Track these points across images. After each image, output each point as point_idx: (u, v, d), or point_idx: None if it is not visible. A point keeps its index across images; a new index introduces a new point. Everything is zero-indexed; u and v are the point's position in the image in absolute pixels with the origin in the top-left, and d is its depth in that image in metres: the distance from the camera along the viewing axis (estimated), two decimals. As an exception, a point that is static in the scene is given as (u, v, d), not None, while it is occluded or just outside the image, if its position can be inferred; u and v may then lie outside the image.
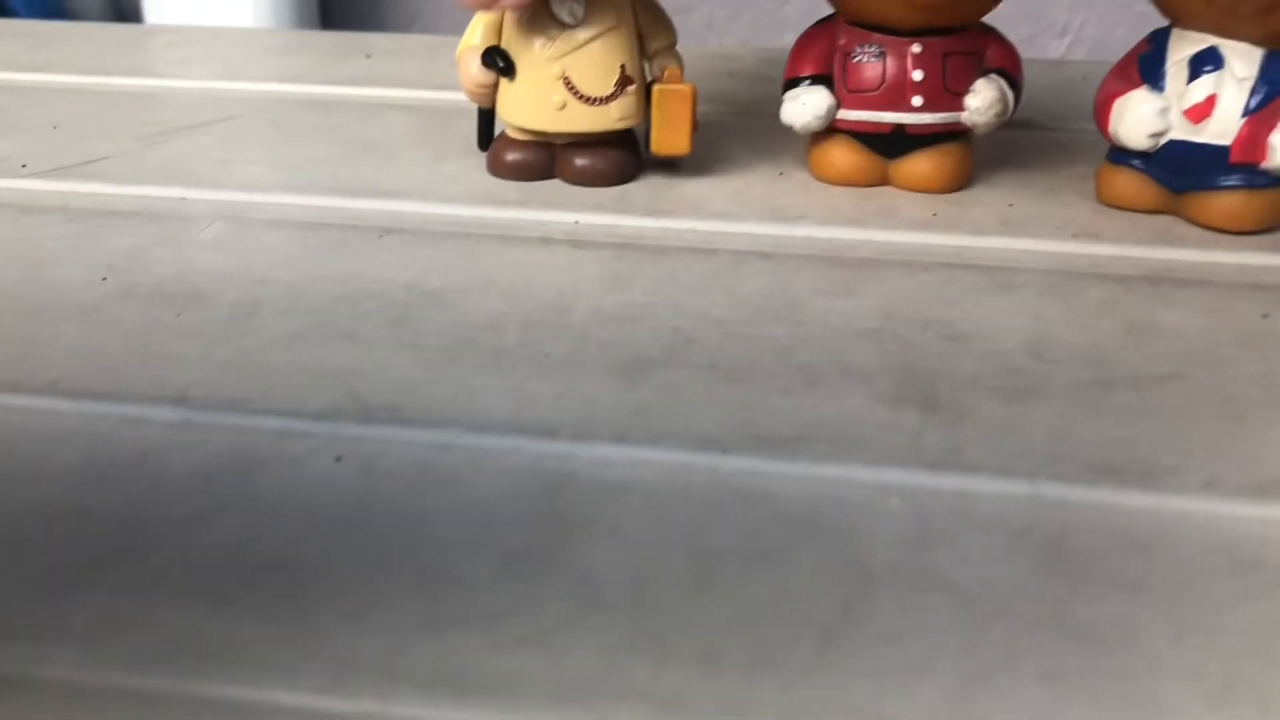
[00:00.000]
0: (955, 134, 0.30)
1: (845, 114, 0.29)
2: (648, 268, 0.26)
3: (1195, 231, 0.29)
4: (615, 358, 0.23)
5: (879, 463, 0.20)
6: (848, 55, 0.29)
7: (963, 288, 0.26)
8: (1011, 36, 0.30)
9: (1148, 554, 0.18)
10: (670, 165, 0.32)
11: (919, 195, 0.30)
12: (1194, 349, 0.23)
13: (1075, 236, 0.28)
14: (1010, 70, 0.29)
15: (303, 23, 0.69)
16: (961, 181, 0.30)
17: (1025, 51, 0.30)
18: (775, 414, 0.21)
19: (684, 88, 0.30)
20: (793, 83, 0.30)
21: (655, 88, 0.30)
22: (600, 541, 0.18)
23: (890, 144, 0.30)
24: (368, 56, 0.43)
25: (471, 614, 0.17)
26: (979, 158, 0.31)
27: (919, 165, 0.30)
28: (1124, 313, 0.25)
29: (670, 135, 0.31)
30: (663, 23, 0.31)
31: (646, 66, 0.31)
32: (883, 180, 0.30)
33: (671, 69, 0.31)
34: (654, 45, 0.31)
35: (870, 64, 0.29)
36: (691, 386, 0.22)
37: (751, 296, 0.25)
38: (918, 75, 0.29)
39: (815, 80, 0.30)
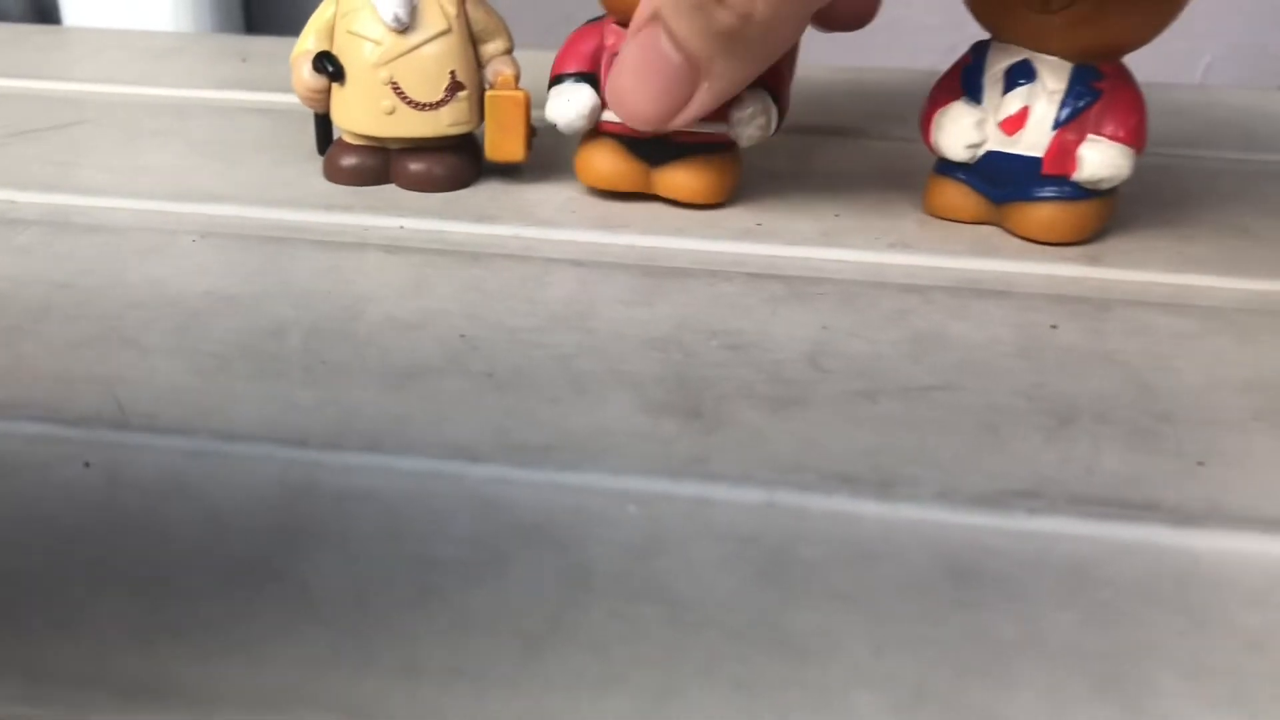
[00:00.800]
0: (721, 144, 0.30)
1: (609, 116, 0.29)
2: (456, 273, 0.26)
3: (1014, 243, 0.29)
4: (390, 365, 0.23)
5: (624, 471, 0.20)
6: (614, 56, 0.29)
7: (762, 297, 0.26)
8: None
9: (870, 564, 0.18)
10: (510, 171, 0.32)
11: (747, 203, 0.31)
12: (972, 360, 0.23)
13: (891, 247, 0.29)
14: (774, 86, 0.29)
15: (224, 26, 0.69)
16: (724, 193, 0.30)
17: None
18: (535, 422, 0.21)
19: (517, 94, 0.30)
20: (559, 79, 0.30)
21: (488, 94, 0.30)
22: (328, 551, 0.18)
23: (654, 150, 0.30)
24: (243, 60, 0.43)
25: (183, 624, 0.17)
26: (818, 167, 0.31)
27: (681, 174, 0.30)
28: (914, 323, 0.25)
29: (504, 141, 0.31)
30: (497, 28, 0.31)
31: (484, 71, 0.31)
32: (646, 187, 0.30)
33: (505, 75, 0.31)
34: (489, 50, 0.31)
35: None
36: (460, 394, 0.22)
37: (551, 304, 0.25)
38: None
39: (581, 78, 0.29)
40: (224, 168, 0.32)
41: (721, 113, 0.29)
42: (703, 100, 0.27)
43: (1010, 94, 0.28)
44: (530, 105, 0.30)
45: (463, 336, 0.24)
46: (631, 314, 0.25)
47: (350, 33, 0.30)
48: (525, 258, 0.27)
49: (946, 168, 0.30)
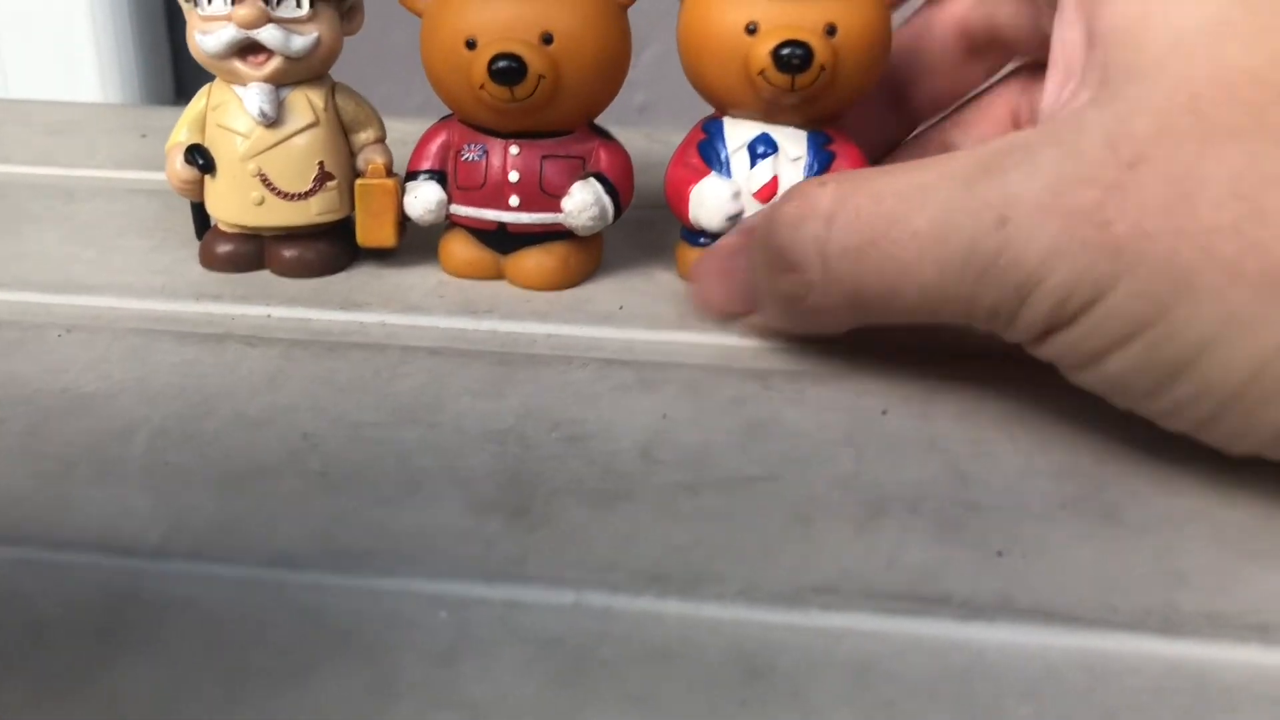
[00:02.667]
0: (562, 233, 0.31)
1: (456, 209, 0.31)
2: (311, 366, 0.27)
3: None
4: (231, 467, 0.23)
5: (441, 575, 0.21)
6: (457, 153, 0.30)
7: (610, 384, 0.27)
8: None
9: (667, 664, 0.19)
10: (384, 255, 0.33)
11: (610, 287, 0.32)
12: (799, 448, 0.24)
13: (744, 331, 0.29)
14: (610, 175, 0.30)
15: (153, 93, 0.69)
16: (569, 280, 0.31)
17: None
18: (361, 526, 0.22)
19: (387, 182, 0.31)
20: (412, 176, 0.31)
21: (358, 182, 0.31)
22: (142, 661, 0.19)
23: (499, 240, 0.31)
24: (143, 136, 0.44)
25: (-10, 739, 0.17)
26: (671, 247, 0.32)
27: (525, 262, 0.31)
28: (749, 411, 0.26)
29: (375, 228, 0.32)
30: (368, 118, 0.32)
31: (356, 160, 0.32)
32: (498, 274, 0.32)
33: (375, 163, 0.32)
34: (360, 140, 0.32)
35: (474, 163, 0.30)
36: (292, 497, 0.22)
37: (400, 396, 0.26)
38: (514, 176, 0.30)
39: (430, 175, 0.31)
40: (102, 255, 0.33)
41: (554, 204, 0.30)
42: (758, 322, 0.28)
43: (758, 165, 0.30)
44: (401, 192, 0.31)
45: (305, 435, 0.24)
46: (478, 405, 0.26)
47: (220, 126, 0.31)
48: (384, 346, 0.28)
49: (693, 236, 0.31)
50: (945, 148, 0.32)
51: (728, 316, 0.29)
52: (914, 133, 0.34)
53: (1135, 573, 0.21)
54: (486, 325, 0.29)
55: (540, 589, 0.20)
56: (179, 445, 0.24)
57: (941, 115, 0.33)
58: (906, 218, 0.23)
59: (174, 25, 0.68)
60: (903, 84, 0.32)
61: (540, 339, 0.29)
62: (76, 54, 0.62)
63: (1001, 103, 0.31)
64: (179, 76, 0.73)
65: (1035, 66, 0.30)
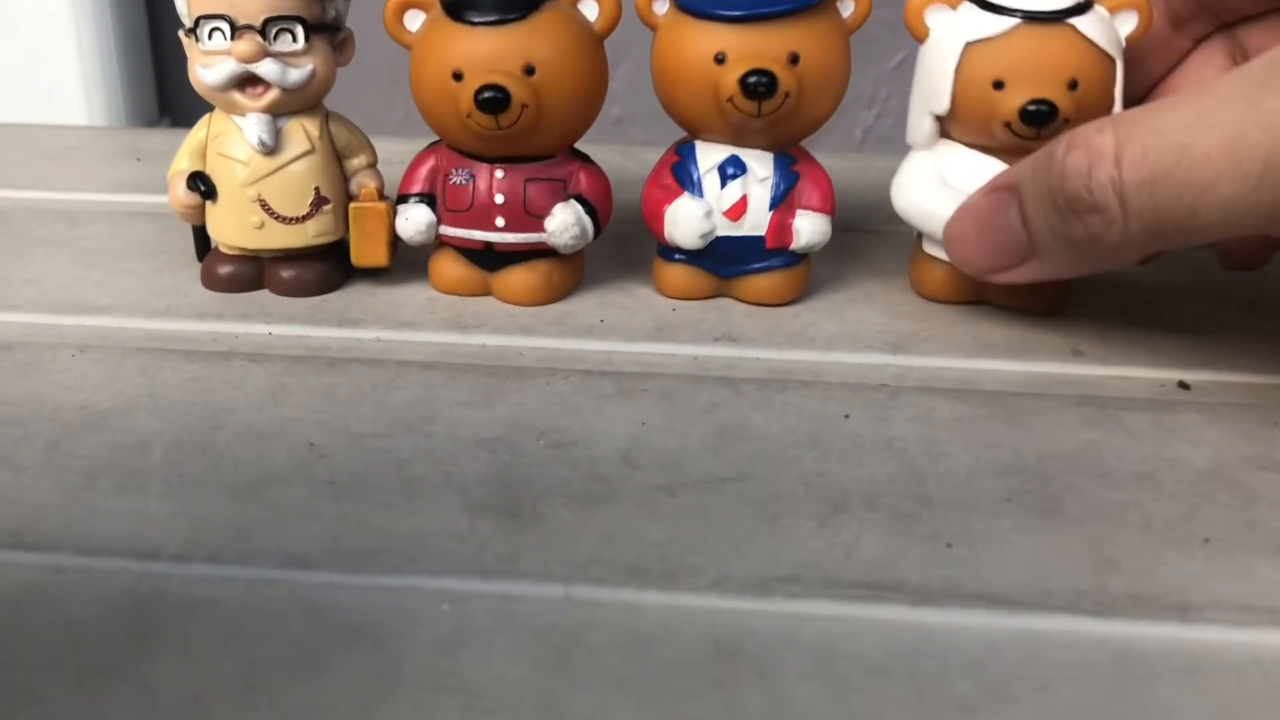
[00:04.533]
0: (546, 251, 0.33)
1: (445, 230, 0.33)
2: (312, 381, 0.29)
3: (826, 333, 0.32)
4: (241, 476, 0.25)
5: (441, 572, 0.22)
6: (446, 177, 0.32)
7: (592, 394, 0.29)
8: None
9: (646, 648, 0.21)
10: (377, 274, 0.35)
11: (592, 302, 0.34)
12: (767, 450, 0.26)
13: (717, 340, 0.32)
14: (590, 197, 0.33)
15: (137, 111, 0.71)
16: (553, 295, 0.33)
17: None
18: (366, 528, 0.24)
19: (379, 205, 0.33)
20: (403, 199, 0.33)
21: (351, 205, 0.33)
22: (170, 656, 0.20)
23: (486, 259, 0.33)
24: (138, 160, 0.45)
25: (36, 726, 0.19)
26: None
27: (511, 279, 0.33)
28: (721, 417, 0.28)
29: (368, 249, 0.34)
30: (360, 144, 0.34)
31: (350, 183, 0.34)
32: (486, 291, 0.34)
33: (368, 187, 0.34)
34: (353, 165, 0.34)
35: (462, 186, 0.32)
36: (300, 504, 0.24)
37: (397, 408, 0.28)
38: (499, 199, 0.32)
39: (421, 198, 0.33)
40: (108, 277, 0.34)
41: (538, 224, 0.32)
42: (1027, 273, 0.29)
43: (728, 185, 0.32)
44: (393, 214, 0.33)
45: (311, 445, 0.26)
46: (470, 415, 0.28)
47: (220, 154, 0.33)
48: (380, 361, 0.30)
49: (669, 253, 0.34)
50: None
51: (991, 272, 0.30)
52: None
53: (1071, 560, 0.23)
54: (476, 340, 0.31)
55: (531, 583, 0.22)
56: (193, 457, 0.26)
57: (1151, 86, 0.34)
58: (1195, 143, 0.24)
59: (158, 45, 0.70)
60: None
61: (527, 352, 0.31)
62: (62, 77, 0.64)
63: (1212, 60, 0.33)
64: (163, 95, 0.75)
65: (1233, 24, 0.32)
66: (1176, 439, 0.27)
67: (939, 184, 0.32)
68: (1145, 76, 0.34)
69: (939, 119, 0.32)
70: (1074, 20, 0.30)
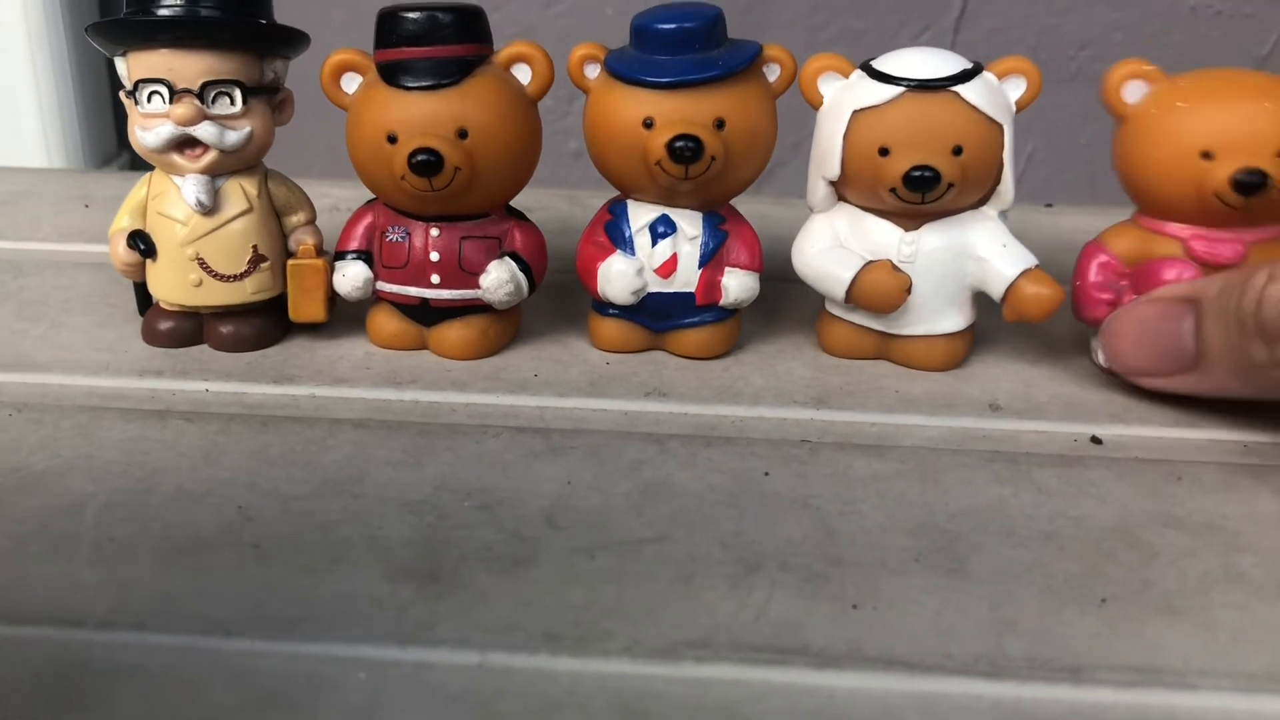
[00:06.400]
0: (482, 306, 0.33)
1: (382, 286, 0.34)
2: (246, 441, 0.30)
3: (754, 386, 0.33)
4: (170, 541, 0.26)
5: (360, 640, 0.23)
6: (382, 234, 0.33)
7: (521, 452, 0.29)
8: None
9: (559, 715, 0.22)
10: (315, 328, 0.35)
11: (527, 355, 0.34)
12: (688, 510, 0.27)
13: (648, 395, 0.32)
14: (524, 254, 0.33)
15: (99, 150, 0.71)
16: (488, 349, 0.34)
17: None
18: (289, 594, 0.24)
19: (316, 262, 0.34)
20: (340, 256, 0.34)
21: (289, 262, 0.34)
22: (91, 725, 0.21)
23: (422, 314, 0.34)
24: (86, 206, 0.46)
25: (-45, 801, 0.20)
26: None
27: (447, 334, 0.34)
28: (648, 474, 0.29)
29: (306, 305, 0.34)
30: (299, 201, 0.35)
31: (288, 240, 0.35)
32: (423, 345, 0.34)
33: (306, 244, 0.34)
34: (292, 222, 0.35)
35: (398, 243, 0.33)
36: (226, 569, 0.25)
37: (327, 469, 0.29)
38: (434, 256, 0.33)
39: (358, 255, 0.33)
40: (50, 330, 0.35)
41: (473, 281, 0.33)
42: (1184, 383, 0.30)
43: (659, 244, 0.33)
44: (330, 270, 0.34)
45: (240, 508, 0.27)
46: (398, 476, 0.28)
47: (160, 213, 0.33)
48: (314, 420, 0.31)
49: (602, 308, 0.34)
50: None
51: (1144, 375, 0.30)
52: None
53: (971, 622, 0.24)
54: (409, 396, 0.32)
55: (447, 650, 0.23)
56: (124, 520, 0.26)
57: None
58: None
59: (116, 81, 0.70)
60: None
61: (460, 408, 0.32)
62: (19, 117, 0.64)
63: None
64: (121, 132, 0.75)
65: None
66: (1085, 495, 0.28)
67: (836, 246, 0.33)
68: None
69: (833, 183, 0.33)
70: (958, 88, 0.31)
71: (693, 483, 0.28)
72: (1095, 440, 0.31)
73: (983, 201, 0.33)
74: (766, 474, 0.29)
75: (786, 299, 0.38)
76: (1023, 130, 0.60)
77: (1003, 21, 0.60)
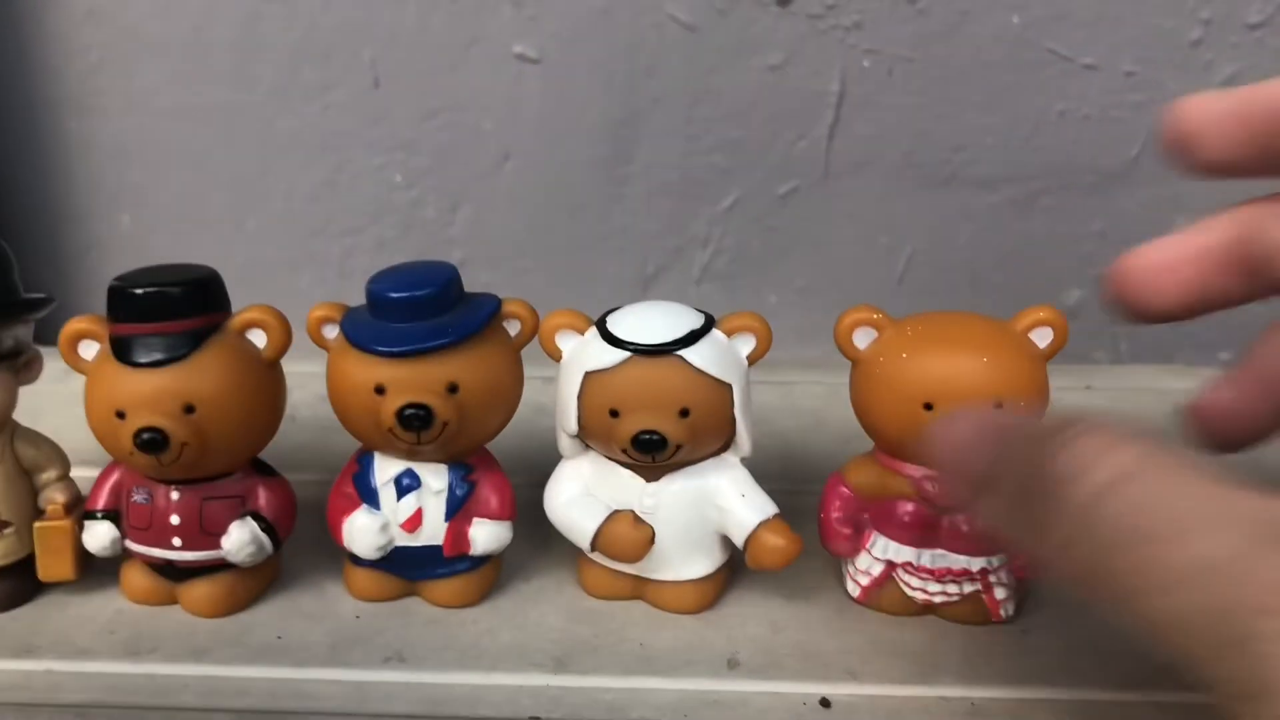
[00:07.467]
0: (228, 564, 0.33)
1: (130, 545, 0.34)
2: (-44, 742, 0.29)
3: (495, 647, 0.33)
4: None
5: None
6: (129, 494, 0.33)
7: (233, 747, 0.29)
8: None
9: None
10: (69, 584, 0.35)
11: (280, 608, 0.34)
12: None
13: (387, 662, 0.32)
14: (267, 513, 0.34)
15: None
16: (236, 605, 0.34)
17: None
18: None
19: (63, 524, 0.34)
20: (90, 514, 0.34)
21: (36, 525, 0.34)
22: None
23: (170, 572, 0.34)
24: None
25: None
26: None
27: (195, 592, 0.34)
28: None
29: (54, 565, 0.34)
30: (48, 458, 0.35)
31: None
32: (173, 600, 0.34)
33: (55, 504, 0.34)
34: (42, 479, 0.34)
35: (141, 505, 0.33)
36: None
37: (31, 776, 0.28)
38: (175, 519, 0.33)
39: (106, 514, 0.34)
40: None
41: (215, 541, 0.33)
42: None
43: (404, 498, 0.33)
44: (79, 530, 0.34)
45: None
46: (102, 783, 0.28)
47: (-104, 484, 0.33)
48: (37, 708, 0.30)
49: (357, 559, 0.34)
50: None
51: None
52: None
53: None
54: (144, 669, 0.32)
55: None
56: None
57: None
58: (1182, 537, 0.20)
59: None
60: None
61: (192, 683, 0.31)
62: None
63: None
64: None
65: None
66: (796, 777, 0.28)
67: (583, 494, 0.34)
68: None
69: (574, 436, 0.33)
70: (683, 352, 0.31)
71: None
72: (824, 703, 0.31)
73: (723, 449, 0.34)
74: None
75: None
76: (901, 233, 0.60)
77: (876, 129, 0.60)
